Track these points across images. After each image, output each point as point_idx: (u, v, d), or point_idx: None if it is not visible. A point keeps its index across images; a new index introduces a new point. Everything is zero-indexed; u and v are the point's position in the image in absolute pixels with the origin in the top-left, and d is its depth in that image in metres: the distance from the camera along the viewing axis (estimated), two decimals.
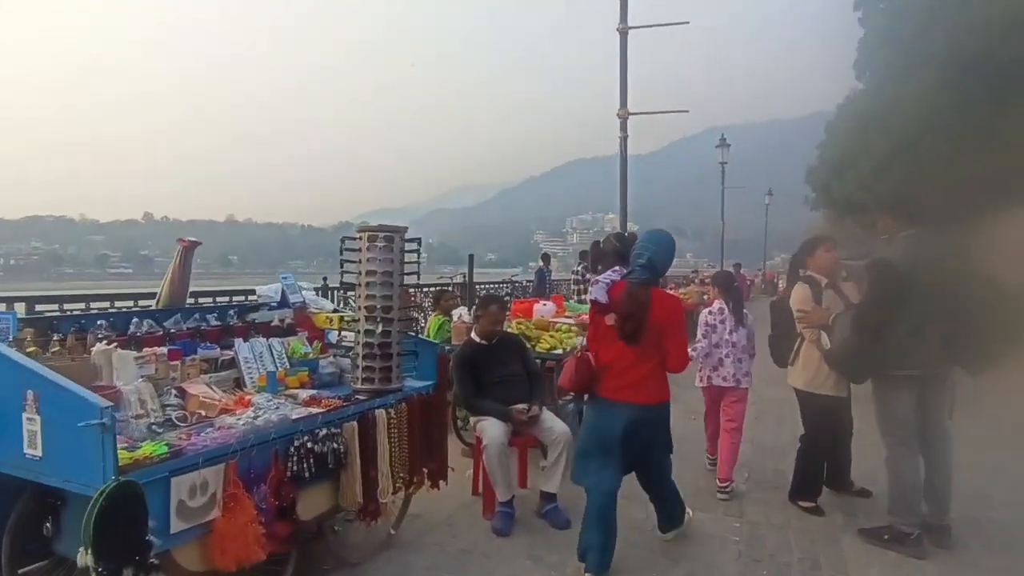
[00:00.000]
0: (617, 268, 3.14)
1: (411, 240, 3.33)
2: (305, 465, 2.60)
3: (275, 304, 3.74)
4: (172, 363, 2.80)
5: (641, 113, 8.28)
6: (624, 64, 7.90)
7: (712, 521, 3.80)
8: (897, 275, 3.27)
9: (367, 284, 3.18)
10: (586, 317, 6.03)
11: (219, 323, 3.36)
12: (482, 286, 11.27)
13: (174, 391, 2.67)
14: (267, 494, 2.44)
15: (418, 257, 3.41)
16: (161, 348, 2.80)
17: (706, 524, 3.74)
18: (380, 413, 3.05)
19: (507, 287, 13.17)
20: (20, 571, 2.40)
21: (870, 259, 3.50)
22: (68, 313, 3.65)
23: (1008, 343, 3.29)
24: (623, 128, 8.23)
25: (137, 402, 2.44)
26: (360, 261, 3.20)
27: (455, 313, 5.72)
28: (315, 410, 2.78)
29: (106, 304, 4.96)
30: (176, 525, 2.15)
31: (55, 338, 2.59)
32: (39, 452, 2.11)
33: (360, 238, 3.21)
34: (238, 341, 3.19)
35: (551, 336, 5.19)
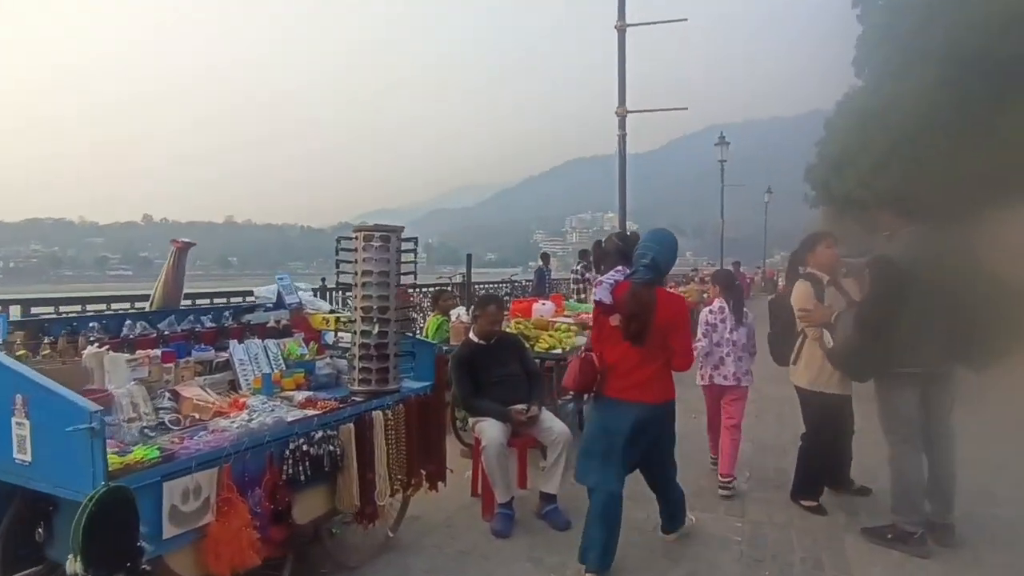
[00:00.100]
0: (620, 268, 3.15)
1: (407, 240, 3.29)
2: (301, 468, 2.57)
3: (271, 305, 3.70)
4: (166, 365, 2.76)
5: (640, 111, 8.25)
6: (622, 62, 7.87)
7: (714, 521, 3.77)
8: (899, 272, 3.23)
9: (363, 284, 3.14)
10: (585, 316, 6.05)
11: (214, 325, 3.32)
12: (481, 286, 11.23)
13: (167, 394, 2.64)
14: (262, 498, 2.41)
15: (415, 257, 3.38)
16: (154, 350, 2.76)
17: (708, 524, 3.71)
18: (377, 415, 3.01)
19: (506, 287, 13.13)
20: None
21: (871, 256, 3.47)
22: (59, 316, 3.60)
23: (1011, 339, 3.26)
24: (622, 126, 8.20)
25: (129, 405, 2.41)
26: (356, 261, 3.16)
27: (453, 313, 5.69)
28: (311, 412, 2.75)
29: (102, 306, 4.92)
30: (169, 530, 2.11)
31: (46, 341, 2.56)
32: (28, 457, 2.08)
33: (356, 238, 3.17)
34: (233, 343, 3.16)
35: (550, 335, 5.16)
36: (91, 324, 2.82)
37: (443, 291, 7.09)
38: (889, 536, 3.40)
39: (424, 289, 9.04)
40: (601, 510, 3.01)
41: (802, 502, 3.91)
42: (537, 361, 4.58)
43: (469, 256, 9.45)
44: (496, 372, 3.96)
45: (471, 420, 4.04)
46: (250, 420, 2.49)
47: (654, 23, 8.07)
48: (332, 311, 3.89)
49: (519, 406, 3.81)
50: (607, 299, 3.05)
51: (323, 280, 7.40)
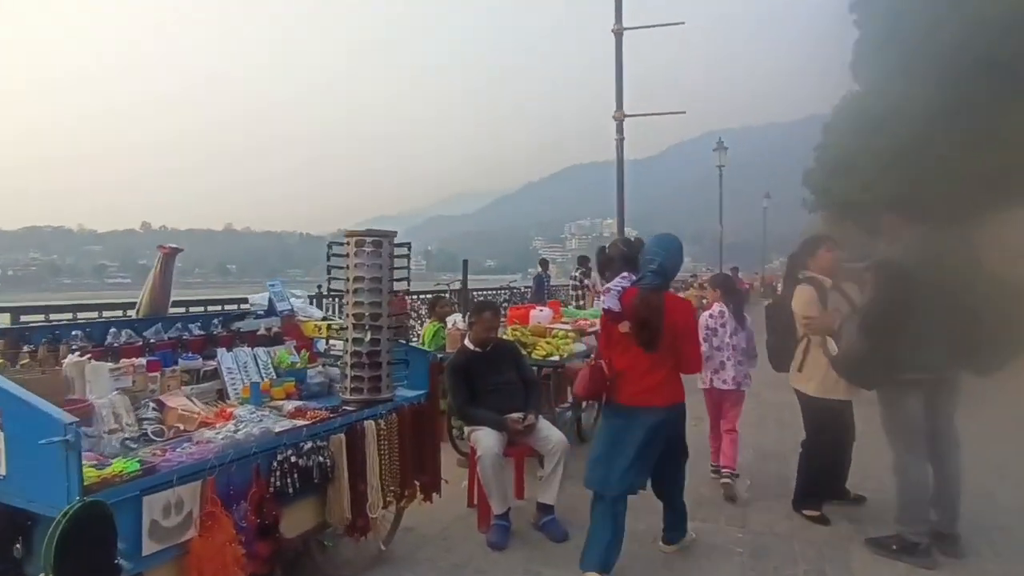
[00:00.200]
0: (626, 274, 3.16)
1: (400, 245, 3.23)
2: (289, 480, 2.49)
3: (262, 312, 3.63)
4: (151, 374, 2.69)
5: (638, 115, 8.21)
6: (620, 66, 7.82)
7: (715, 531, 3.69)
8: (902, 276, 3.17)
9: (355, 291, 3.07)
10: (583, 323, 5.97)
11: (203, 332, 3.26)
12: (479, 292, 11.16)
13: (152, 404, 2.56)
14: (248, 512, 2.33)
15: (408, 262, 3.31)
16: (139, 359, 2.69)
17: (708, 534, 3.63)
18: (369, 424, 2.94)
19: (505, 293, 13.08)
20: None
21: (874, 260, 3.40)
22: (43, 324, 3.53)
23: (1016, 342, 3.19)
24: (619, 130, 8.16)
25: (111, 416, 2.33)
26: (348, 267, 3.10)
27: (449, 320, 5.62)
28: (300, 422, 2.67)
29: (94, 314, 4.85)
30: (148, 547, 2.03)
31: (25, 350, 2.48)
32: (3, 470, 1.99)
33: (348, 243, 3.11)
34: (221, 351, 3.09)
35: (547, 342, 5.07)
36: (74, 332, 2.75)
37: (440, 298, 7.04)
38: (894, 547, 3.32)
39: (422, 296, 8.98)
40: (610, 514, 3.00)
41: (804, 512, 3.83)
42: (534, 368, 4.51)
43: (465, 262, 9.39)
44: (492, 380, 3.89)
45: (467, 429, 3.96)
46: (236, 431, 2.41)
47: (652, 27, 8.03)
48: (325, 318, 3.82)
49: (516, 415, 3.73)
50: (615, 306, 3.06)
51: (319, 287, 7.34)
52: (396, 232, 3.20)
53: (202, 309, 5.29)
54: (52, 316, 4.66)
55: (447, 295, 8.58)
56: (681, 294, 13.28)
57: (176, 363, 2.88)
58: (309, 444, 2.60)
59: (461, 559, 3.36)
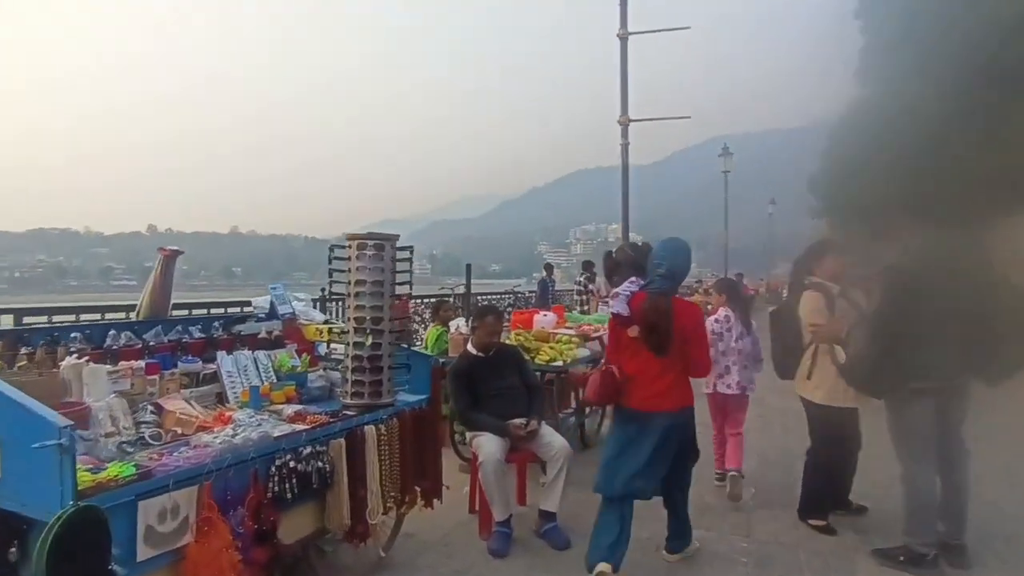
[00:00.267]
0: (634, 279, 3.17)
1: (403, 248, 3.20)
2: (287, 486, 2.46)
3: (263, 316, 3.61)
4: (150, 377, 2.67)
5: (642, 120, 8.18)
6: (625, 70, 7.80)
7: (718, 540, 3.63)
8: (912, 282, 3.12)
9: (356, 294, 3.04)
10: (587, 328, 5.94)
11: (203, 335, 3.23)
12: (483, 296, 11.14)
13: (150, 407, 2.54)
14: (245, 517, 2.30)
15: (410, 266, 3.28)
16: (138, 362, 2.67)
17: (712, 543, 3.58)
18: (370, 429, 2.91)
19: (509, 298, 13.04)
20: None
21: (883, 265, 3.36)
22: (42, 326, 3.52)
23: None
24: (624, 135, 8.13)
25: (108, 419, 2.31)
26: (350, 270, 3.07)
27: (452, 324, 5.59)
28: (299, 427, 2.64)
29: (97, 316, 4.85)
30: (143, 552, 2.00)
31: (23, 352, 2.46)
32: None
33: (350, 246, 3.08)
34: (221, 354, 3.06)
35: (551, 347, 5.04)
36: (73, 334, 2.73)
37: (443, 302, 7.02)
38: (901, 558, 3.26)
39: (426, 300, 8.97)
40: (615, 518, 3.00)
41: (810, 521, 3.77)
42: (537, 374, 4.47)
43: (469, 267, 9.37)
44: (495, 385, 3.85)
45: (468, 434, 3.92)
46: (234, 435, 2.37)
47: (657, 31, 8.02)
48: (326, 321, 3.79)
49: (518, 420, 3.69)
50: (624, 311, 3.07)
51: (323, 290, 7.33)
52: (398, 235, 3.17)
53: (205, 312, 5.29)
54: (55, 318, 4.66)
55: (451, 299, 8.56)
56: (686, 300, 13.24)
57: (175, 366, 2.86)
58: (308, 449, 2.57)
59: (462, 566, 3.32)
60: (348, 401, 3.01)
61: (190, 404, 2.66)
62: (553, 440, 3.72)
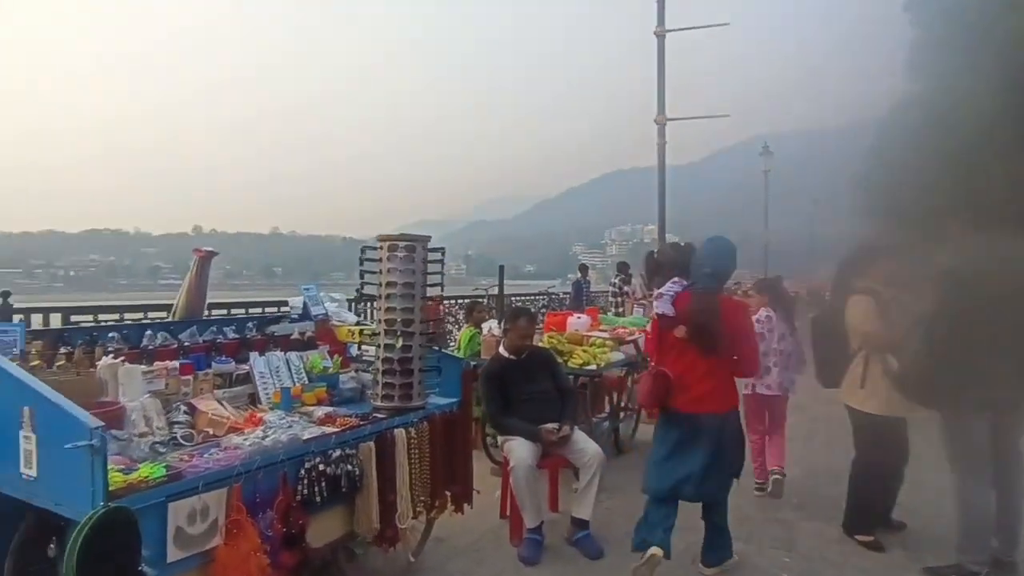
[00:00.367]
0: (677, 279, 3.14)
1: (434, 249, 3.17)
2: (316, 489, 2.44)
3: (296, 316, 3.62)
4: (183, 378, 2.69)
5: (680, 119, 8.00)
6: (662, 68, 7.64)
7: (758, 553, 3.50)
8: (969, 286, 2.94)
9: (387, 296, 3.02)
10: (622, 331, 5.82)
11: (237, 336, 3.25)
12: (516, 298, 11.08)
13: (183, 407, 2.55)
14: (274, 520, 2.29)
15: (442, 267, 3.26)
16: (173, 362, 2.69)
17: (751, 556, 3.44)
18: (400, 433, 2.88)
19: (543, 299, 12.95)
20: None
21: (936, 269, 3.18)
22: (81, 325, 3.60)
23: None
24: (661, 135, 7.97)
25: (142, 419, 2.33)
26: (381, 272, 3.05)
27: (485, 326, 5.55)
28: (329, 429, 2.63)
29: (140, 315, 4.97)
30: (173, 554, 2.00)
31: (61, 351, 2.51)
32: (34, 472, 2.00)
33: (381, 247, 3.06)
34: (254, 355, 3.07)
35: (584, 351, 4.95)
36: (110, 334, 2.77)
37: (477, 303, 6.99)
38: None
39: (459, 300, 8.97)
40: (664, 513, 3.02)
41: (857, 536, 3.60)
42: (570, 377, 4.39)
43: (501, 268, 9.32)
44: (527, 389, 3.79)
45: (500, 438, 3.87)
46: (264, 437, 2.37)
47: (695, 28, 7.83)
48: (358, 323, 3.79)
49: (550, 425, 3.63)
50: (669, 311, 3.04)
51: (357, 290, 7.38)
52: (430, 236, 3.14)
53: (243, 311, 5.38)
54: (100, 316, 4.79)
55: (484, 300, 8.53)
56: None
57: (209, 366, 2.88)
58: (338, 452, 2.55)
59: (492, 572, 3.28)
60: (378, 404, 2.99)
61: (222, 405, 2.67)
62: (586, 446, 3.64)
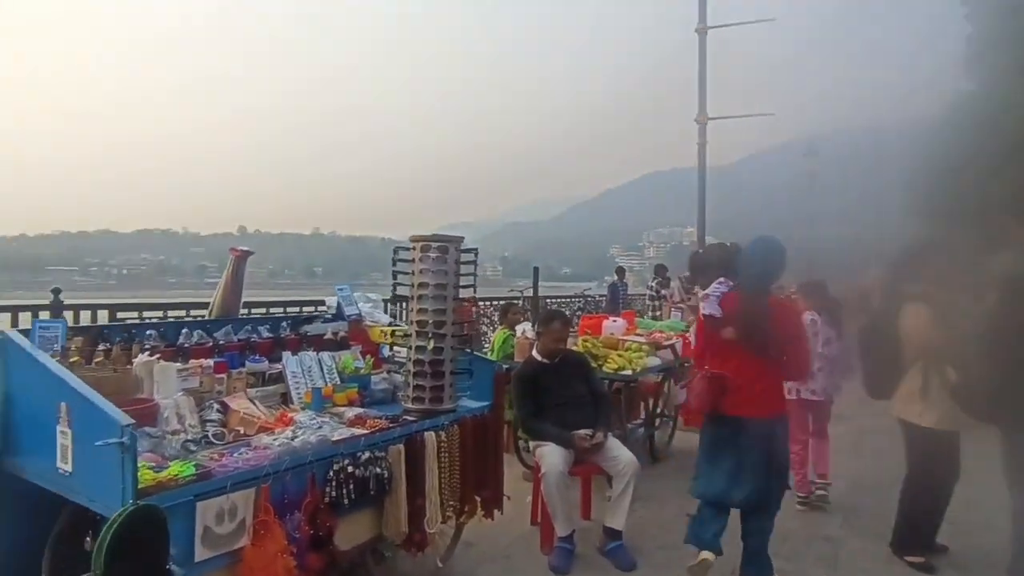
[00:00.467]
0: (723, 280, 3.05)
1: (467, 250, 3.12)
2: (345, 491, 2.41)
3: (330, 316, 3.63)
4: (218, 376, 2.71)
5: (721, 118, 7.81)
6: (703, 66, 7.46)
7: (799, 573, 3.35)
8: None
9: (419, 297, 2.99)
10: (659, 335, 5.68)
11: (271, 335, 3.27)
12: (552, 300, 10.99)
13: (216, 405, 2.57)
14: (301, 522, 2.27)
15: (475, 269, 3.21)
16: (207, 360, 2.72)
17: (794, 575, 3.29)
18: (429, 436, 2.84)
19: (579, 301, 12.82)
20: None
21: (999, 274, 2.98)
22: (122, 322, 3.67)
23: None
24: (701, 134, 7.79)
25: (175, 416, 2.35)
26: (413, 273, 3.03)
27: (519, 329, 5.50)
28: (358, 431, 2.61)
29: (182, 313, 5.08)
30: (201, 553, 2.00)
31: (100, 348, 2.55)
32: (69, 467, 2.04)
33: (414, 248, 3.04)
34: (286, 355, 3.08)
35: (620, 355, 4.84)
36: (148, 332, 2.81)
37: (512, 304, 6.93)
38: None
39: (495, 302, 8.94)
40: (715, 514, 2.99)
41: (907, 558, 3.41)
42: (605, 382, 4.30)
43: (536, 269, 9.25)
44: (560, 393, 3.72)
45: (532, 443, 3.81)
46: (293, 438, 2.37)
47: (738, 24, 7.61)
48: (391, 323, 3.78)
49: (583, 431, 3.54)
50: (716, 312, 2.96)
51: (393, 291, 7.41)
52: (463, 237, 3.10)
53: (281, 310, 5.45)
54: (145, 314, 4.92)
55: (520, 302, 8.48)
56: None
57: (243, 365, 2.89)
58: (367, 454, 2.53)
59: None
60: (409, 406, 2.97)
61: (254, 404, 2.69)
62: (620, 454, 3.55)
